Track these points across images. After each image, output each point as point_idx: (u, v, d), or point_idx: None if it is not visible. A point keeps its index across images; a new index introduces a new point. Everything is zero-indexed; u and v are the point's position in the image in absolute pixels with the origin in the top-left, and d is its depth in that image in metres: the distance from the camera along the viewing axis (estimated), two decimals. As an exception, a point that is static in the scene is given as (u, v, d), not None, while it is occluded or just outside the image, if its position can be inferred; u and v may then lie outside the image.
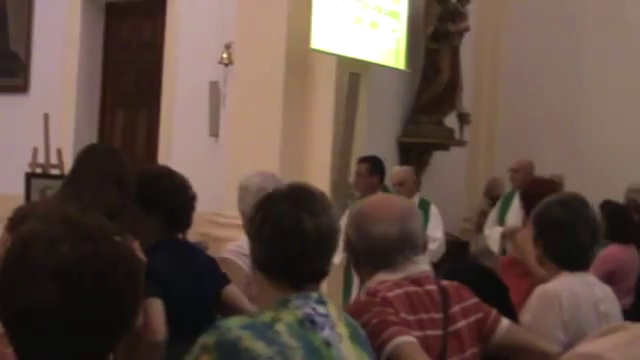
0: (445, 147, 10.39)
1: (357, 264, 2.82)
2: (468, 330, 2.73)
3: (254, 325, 2.12)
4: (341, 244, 2.44)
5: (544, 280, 3.36)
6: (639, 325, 1.69)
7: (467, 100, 10.53)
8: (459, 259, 8.73)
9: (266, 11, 8.58)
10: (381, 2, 8.90)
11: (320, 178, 8.21)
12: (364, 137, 8.85)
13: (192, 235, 6.65)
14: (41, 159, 8.61)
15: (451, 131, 10.36)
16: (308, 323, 2.17)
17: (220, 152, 9.40)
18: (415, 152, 10.13)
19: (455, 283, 2.82)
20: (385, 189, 7.26)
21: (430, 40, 10.02)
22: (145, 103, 11.01)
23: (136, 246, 3.01)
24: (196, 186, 3.65)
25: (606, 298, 3.34)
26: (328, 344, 2.17)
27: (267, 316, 2.16)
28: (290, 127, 8.54)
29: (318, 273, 2.30)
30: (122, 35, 11.35)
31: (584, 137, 10.87)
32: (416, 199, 7.29)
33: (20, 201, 5.45)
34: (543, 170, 7.97)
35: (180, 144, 10.05)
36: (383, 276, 2.68)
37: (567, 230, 3.28)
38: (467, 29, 10.27)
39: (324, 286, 2.55)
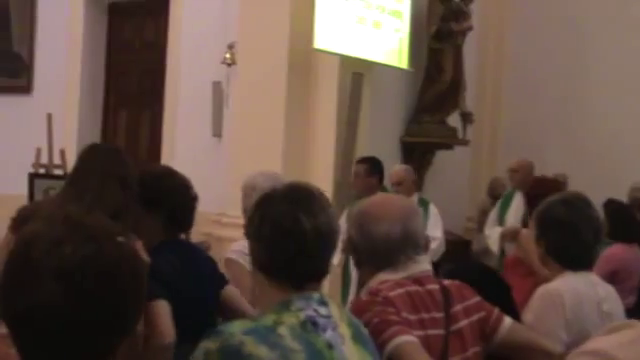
0: (448, 146, 10.39)
1: (359, 264, 2.82)
2: (470, 329, 2.73)
3: (257, 329, 2.11)
4: (339, 244, 2.43)
5: (547, 280, 3.36)
6: None
7: (470, 99, 10.53)
8: (461, 258, 8.73)
9: (269, 11, 8.58)
10: (384, 2, 8.89)
11: (323, 178, 8.20)
12: (367, 137, 8.85)
13: (195, 235, 6.65)
14: (44, 159, 8.63)
15: (454, 130, 10.36)
16: (310, 325, 2.16)
17: (223, 152, 9.40)
18: (418, 151, 10.13)
19: (457, 282, 2.82)
20: (384, 190, 7.25)
21: (433, 39, 10.02)
22: (148, 103, 11.01)
23: (139, 246, 3.00)
24: (199, 186, 3.65)
25: (609, 297, 3.34)
26: (330, 346, 2.17)
27: (269, 319, 2.15)
28: (293, 127, 8.54)
29: (318, 272, 2.29)
30: (125, 35, 11.36)
31: (588, 136, 10.86)
32: (415, 198, 7.28)
33: (23, 201, 5.45)
34: (546, 169, 7.97)
35: (183, 144, 10.06)
36: (385, 276, 2.68)
37: (570, 229, 3.27)
38: (470, 28, 10.27)
39: (325, 286, 2.55)
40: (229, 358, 2.06)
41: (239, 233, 2.82)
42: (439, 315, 2.65)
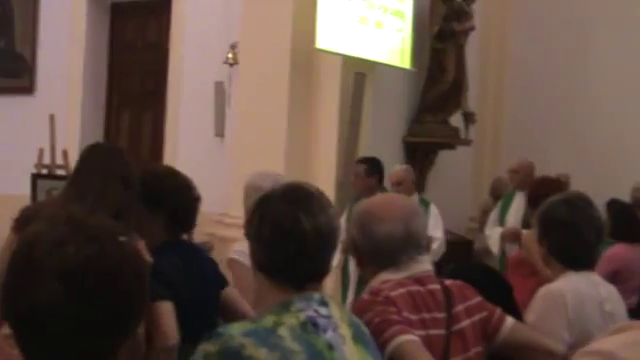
0: (451, 146, 10.38)
1: (362, 264, 2.82)
2: (472, 329, 2.72)
3: (257, 331, 2.10)
4: (339, 245, 2.43)
5: (550, 280, 3.36)
6: None
7: (472, 99, 10.52)
8: (463, 258, 8.72)
9: (271, 11, 8.58)
10: (386, 2, 8.90)
11: (325, 178, 8.21)
12: (369, 137, 8.85)
13: (198, 235, 6.66)
14: (47, 160, 8.64)
15: (457, 130, 10.36)
16: (310, 326, 2.16)
17: (225, 152, 9.41)
18: (421, 151, 10.13)
19: (459, 282, 2.82)
20: (383, 190, 7.25)
21: (435, 39, 10.02)
22: (150, 103, 11.02)
23: (142, 246, 3.00)
24: (201, 186, 3.65)
25: (611, 298, 3.33)
26: (331, 347, 2.16)
27: (269, 320, 2.14)
28: (295, 127, 8.54)
29: (319, 273, 2.28)
30: (127, 35, 11.38)
31: (590, 136, 10.86)
32: (415, 199, 7.28)
33: (26, 202, 5.46)
34: (549, 169, 7.95)
35: (186, 144, 10.06)
36: (386, 275, 2.69)
37: (572, 229, 3.27)
38: (472, 28, 10.27)
39: (324, 287, 2.54)
40: None
41: (242, 233, 2.82)
42: (440, 315, 2.65)
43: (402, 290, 2.61)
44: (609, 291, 3.36)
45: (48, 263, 1.49)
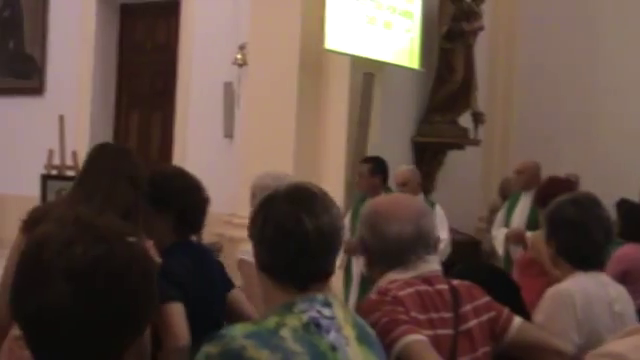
0: (460, 146, 10.38)
1: (370, 263, 2.82)
2: (480, 329, 2.72)
3: (259, 332, 2.09)
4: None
5: (558, 280, 3.35)
6: None
7: (481, 99, 10.52)
8: (472, 258, 8.71)
9: (280, 12, 8.59)
10: (395, 2, 8.90)
11: (334, 178, 8.22)
12: (378, 137, 8.85)
13: (207, 236, 6.66)
14: (57, 161, 8.67)
15: (465, 130, 10.35)
16: (313, 327, 2.14)
17: (234, 153, 9.43)
18: (429, 152, 10.13)
19: (466, 282, 2.81)
20: (388, 190, 7.24)
21: (444, 39, 10.02)
22: (160, 104, 11.05)
23: (150, 245, 3.00)
24: (210, 187, 3.65)
25: (620, 298, 3.32)
26: (334, 348, 2.14)
27: (272, 321, 2.13)
28: (304, 127, 8.55)
29: (322, 273, 2.26)
30: (137, 36, 11.41)
31: (600, 136, 10.84)
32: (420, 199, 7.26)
33: (36, 203, 5.47)
34: (558, 169, 7.93)
35: (195, 145, 10.08)
36: (394, 275, 2.68)
37: (580, 229, 3.26)
38: (481, 28, 10.26)
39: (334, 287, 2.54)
40: None
41: (251, 234, 2.82)
42: (448, 315, 2.64)
43: (410, 290, 2.61)
44: (618, 291, 3.35)
45: (57, 264, 1.50)
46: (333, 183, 8.12)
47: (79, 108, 10.98)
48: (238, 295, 3.69)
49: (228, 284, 3.66)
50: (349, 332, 2.22)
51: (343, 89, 8.59)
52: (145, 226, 3.27)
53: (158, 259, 3.01)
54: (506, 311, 2.83)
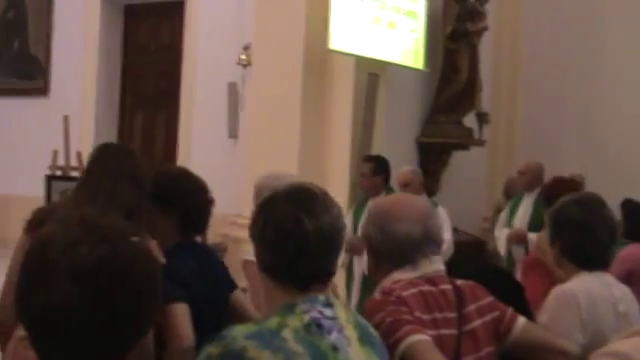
0: (464, 147, 10.37)
1: (375, 263, 2.81)
2: (484, 329, 2.72)
3: (260, 333, 2.09)
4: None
5: (563, 280, 3.34)
6: None
7: (486, 99, 10.51)
8: (477, 259, 8.71)
9: (284, 12, 8.59)
10: (399, 2, 8.89)
11: (339, 178, 8.22)
12: (383, 137, 8.85)
13: (212, 236, 6.66)
14: (61, 161, 8.67)
15: (470, 131, 10.34)
16: (315, 327, 2.14)
17: (239, 153, 9.43)
18: (434, 152, 10.12)
19: (470, 282, 2.81)
20: (390, 190, 7.23)
21: (449, 40, 10.01)
22: (164, 105, 11.07)
23: (154, 245, 3.00)
24: (215, 187, 3.65)
25: (625, 298, 3.31)
26: (335, 348, 2.14)
27: (273, 322, 2.13)
28: (309, 128, 8.55)
29: (323, 274, 2.26)
30: (141, 37, 11.42)
31: (605, 136, 10.82)
32: None
33: (40, 203, 5.47)
34: (563, 169, 7.92)
35: (199, 145, 10.09)
36: (398, 275, 2.69)
37: (584, 229, 3.25)
38: (486, 28, 10.25)
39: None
40: None
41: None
42: (452, 315, 2.65)
43: (414, 290, 2.61)
44: (623, 292, 3.34)
45: (61, 264, 1.50)
46: (338, 183, 8.12)
47: (83, 109, 11.00)
48: (241, 296, 3.69)
49: (231, 285, 3.66)
50: (351, 333, 2.22)
51: (347, 89, 8.58)
52: (149, 226, 3.27)
53: (162, 259, 3.01)
54: (510, 311, 2.83)
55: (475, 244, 9.68)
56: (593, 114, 10.97)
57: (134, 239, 1.60)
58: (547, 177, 7.09)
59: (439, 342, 2.53)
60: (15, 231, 3.60)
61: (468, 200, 10.13)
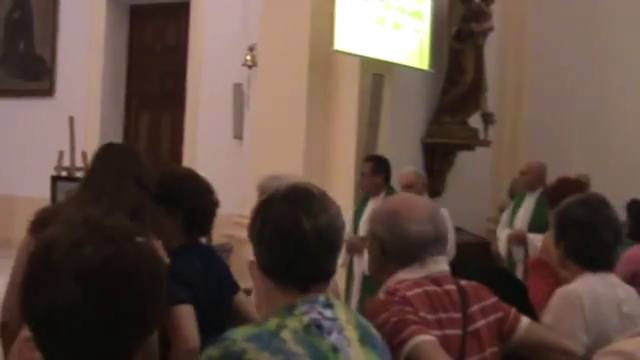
0: (469, 147, 10.36)
1: (382, 262, 2.81)
2: (487, 329, 2.73)
3: (260, 335, 2.08)
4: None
5: (568, 281, 3.34)
6: None
7: (491, 100, 10.50)
8: (482, 259, 8.70)
9: (289, 13, 8.59)
10: (404, 2, 8.89)
11: (344, 179, 8.22)
12: (388, 138, 8.84)
13: (217, 237, 6.66)
14: (67, 162, 8.69)
15: (475, 131, 10.34)
16: (315, 328, 2.13)
17: (244, 154, 9.44)
18: (439, 152, 10.12)
19: (474, 283, 2.81)
20: (390, 189, 7.21)
21: (454, 40, 10.01)
22: (169, 105, 11.08)
23: (158, 245, 3.00)
24: (220, 188, 3.65)
25: (629, 299, 3.31)
26: (335, 349, 2.12)
27: (273, 323, 2.12)
28: (314, 128, 8.55)
29: (322, 274, 2.24)
30: (146, 38, 11.44)
31: (610, 136, 10.82)
32: None
33: (46, 204, 5.48)
34: (569, 170, 7.93)
35: (204, 146, 10.10)
36: (403, 275, 2.69)
37: (589, 230, 3.25)
38: (491, 29, 10.25)
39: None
40: None
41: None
42: (456, 315, 2.65)
43: (418, 290, 2.61)
44: (627, 292, 3.34)
45: (66, 264, 1.50)
46: (343, 184, 8.12)
47: (89, 109, 11.01)
48: (244, 298, 3.69)
49: (234, 286, 3.66)
50: (351, 333, 2.20)
51: (353, 90, 8.58)
52: (154, 226, 3.27)
53: (167, 260, 3.01)
54: (513, 311, 2.83)
55: (480, 245, 9.67)
56: (598, 114, 10.96)
57: (139, 239, 1.60)
58: (552, 177, 7.08)
59: (444, 342, 2.53)
60: (20, 232, 3.60)
61: (473, 200, 10.13)
